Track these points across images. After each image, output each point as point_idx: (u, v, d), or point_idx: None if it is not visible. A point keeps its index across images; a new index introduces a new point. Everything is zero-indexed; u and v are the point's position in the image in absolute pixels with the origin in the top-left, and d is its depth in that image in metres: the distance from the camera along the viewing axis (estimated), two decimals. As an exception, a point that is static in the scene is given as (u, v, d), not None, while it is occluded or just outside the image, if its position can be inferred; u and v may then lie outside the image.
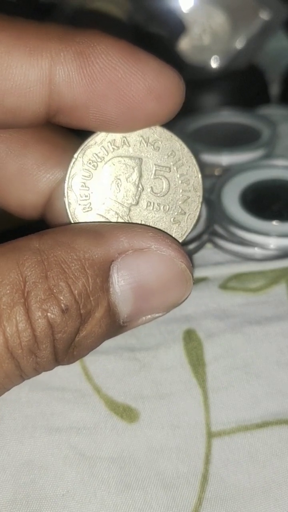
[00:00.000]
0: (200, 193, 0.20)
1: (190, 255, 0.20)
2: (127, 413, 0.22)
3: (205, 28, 0.46)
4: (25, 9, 0.41)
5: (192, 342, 0.24)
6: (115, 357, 0.23)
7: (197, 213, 0.20)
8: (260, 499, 0.21)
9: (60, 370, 0.19)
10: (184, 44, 0.46)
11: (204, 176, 0.20)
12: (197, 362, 0.24)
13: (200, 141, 0.36)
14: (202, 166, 0.20)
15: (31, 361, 0.17)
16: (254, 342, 0.24)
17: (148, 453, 0.21)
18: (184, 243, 0.27)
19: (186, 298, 0.20)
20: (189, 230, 0.20)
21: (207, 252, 0.29)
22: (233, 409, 0.23)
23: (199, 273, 0.27)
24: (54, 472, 0.21)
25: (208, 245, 0.29)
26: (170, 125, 0.20)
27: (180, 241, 0.20)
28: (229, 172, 0.32)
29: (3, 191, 0.22)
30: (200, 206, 0.20)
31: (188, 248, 0.28)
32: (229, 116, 0.39)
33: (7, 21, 0.18)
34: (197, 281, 0.27)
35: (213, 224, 0.29)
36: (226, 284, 0.26)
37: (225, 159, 0.34)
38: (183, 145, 0.20)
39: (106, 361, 0.23)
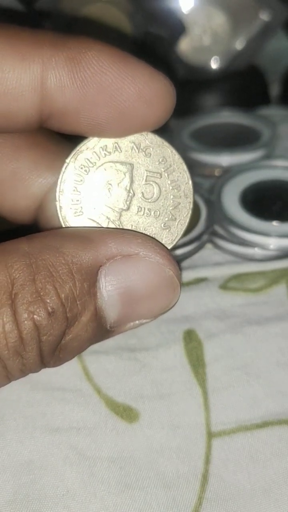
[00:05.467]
0: (190, 199, 0.20)
1: (179, 262, 0.20)
2: (127, 413, 0.22)
3: (205, 29, 0.46)
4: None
5: (192, 342, 0.24)
6: (115, 357, 0.23)
7: (188, 219, 0.20)
8: (260, 499, 0.21)
9: (60, 370, 0.19)
10: (184, 45, 0.46)
11: (194, 183, 0.21)
12: (197, 363, 0.24)
13: (200, 141, 0.36)
14: (192, 174, 0.20)
15: (17, 362, 0.17)
16: (254, 343, 0.24)
17: (148, 453, 0.22)
18: (185, 244, 0.28)
19: (174, 305, 0.20)
20: (179, 236, 0.21)
21: (207, 252, 0.29)
22: (233, 409, 0.23)
23: (199, 273, 0.27)
24: (54, 472, 0.21)
25: (208, 245, 0.29)
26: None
27: (170, 247, 0.20)
28: (229, 172, 0.33)
29: None
30: (190, 212, 0.20)
31: (188, 249, 0.28)
32: (229, 117, 0.39)
33: (0, 27, 0.18)
34: (197, 281, 0.27)
35: (213, 224, 0.29)
36: (226, 285, 0.26)
37: (225, 159, 0.34)
38: (174, 152, 0.20)
39: (106, 361, 0.23)
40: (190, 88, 0.46)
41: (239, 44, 0.46)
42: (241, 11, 0.46)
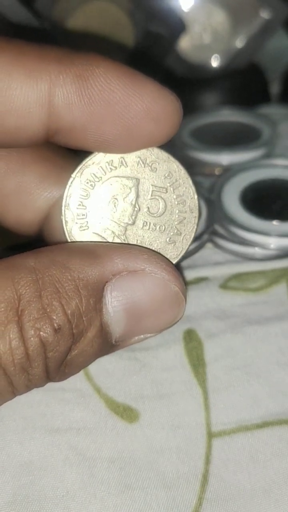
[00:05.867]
0: (196, 214, 0.20)
1: (179, 261, 0.21)
2: (127, 413, 0.22)
3: (206, 27, 0.46)
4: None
5: (192, 342, 0.24)
6: (115, 357, 0.23)
7: (193, 234, 0.21)
8: (261, 499, 0.21)
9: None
10: (185, 43, 0.46)
11: (200, 197, 0.21)
12: (197, 362, 0.24)
13: (200, 140, 0.36)
14: (199, 188, 0.20)
15: (23, 378, 0.17)
16: (254, 342, 0.24)
17: (148, 453, 0.21)
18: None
19: (179, 320, 0.20)
20: (184, 251, 0.21)
21: (207, 252, 0.29)
22: (233, 409, 0.23)
23: (199, 272, 0.27)
24: (54, 473, 0.21)
25: (208, 245, 0.29)
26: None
27: (175, 262, 0.21)
28: (229, 171, 0.32)
29: (1, 208, 0.22)
30: (196, 227, 0.21)
31: (188, 249, 0.28)
32: (229, 115, 0.39)
33: (7, 43, 0.18)
34: (197, 281, 0.27)
35: (213, 223, 0.29)
36: (226, 284, 0.26)
37: (225, 158, 0.34)
38: (180, 167, 0.20)
39: (106, 361, 0.23)
40: (190, 87, 0.46)
41: (239, 42, 0.46)
42: (242, 9, 0.46)
